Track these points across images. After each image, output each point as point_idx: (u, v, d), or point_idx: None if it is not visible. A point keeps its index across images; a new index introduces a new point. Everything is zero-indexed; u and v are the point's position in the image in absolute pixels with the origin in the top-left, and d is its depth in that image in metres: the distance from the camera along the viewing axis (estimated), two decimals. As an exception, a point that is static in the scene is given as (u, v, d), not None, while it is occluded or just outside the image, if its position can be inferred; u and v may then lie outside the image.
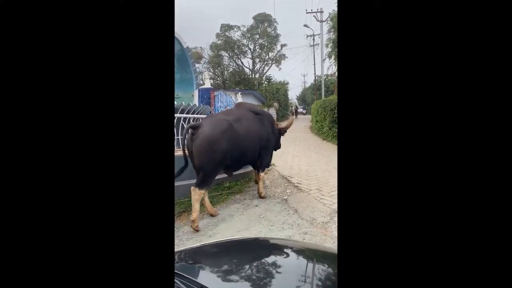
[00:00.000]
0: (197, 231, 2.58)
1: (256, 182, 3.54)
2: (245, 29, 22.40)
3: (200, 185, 2.60)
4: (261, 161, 3.25)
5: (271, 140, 3.33)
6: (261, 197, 3.44)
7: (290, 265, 0.94)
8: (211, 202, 3.13)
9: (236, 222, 2.79)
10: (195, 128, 2.65)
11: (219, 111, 6.90)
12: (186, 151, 2.66)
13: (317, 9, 16.52)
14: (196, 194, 2.58)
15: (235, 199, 3.45)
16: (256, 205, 3.24)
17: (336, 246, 1.88)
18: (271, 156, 3.50)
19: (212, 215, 2.93)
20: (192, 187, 2.63)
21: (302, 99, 37.72)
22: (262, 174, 3.39)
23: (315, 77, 23.96)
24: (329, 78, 15.75)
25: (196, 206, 2.57)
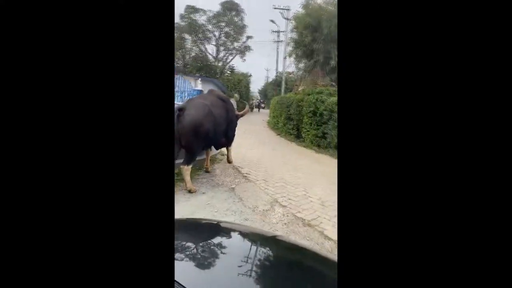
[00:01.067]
0: (195, 191, 3.28)
1: (207, 167, 4.22)
2: (211, 15, 21.73)
3: (188, 162, 3.14)
4: (228, 140, 4.03)
5: (234, 123, 4.00)
6: (229, 162, 4.45)
7: (229, 243, 1.02)
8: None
9: (182, 208, 2.88)
10: (180, 110, 3.04)
11: (176, 96, 6.73)
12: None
13: (284, 7, 16.86)
14: (186, 170, 3.16)
15: (183, 186, 3.51)
16: (204, 193, 3.35)
17: (271, 231, 2.11)
18: (233, 137, 4.19)
19: (190, 192, 3.26)
20: (181, 166, 3.13)
21: (263, 93, 38.23)
22: (230, 147, 4.30)
23: (276, 73, 24.48)
24: (289, 75, 16.27)
25: (187, 178, 3.18)
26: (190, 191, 3.24)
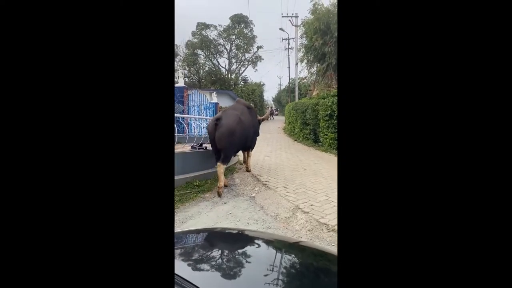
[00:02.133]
0: (228, 185, 4.00)
1: (245, 162, 4.93)
2: (221, 29, 22.36)
3: (224, 161, 3.67)
4: (252, 143, 4.64)
5: (257, 127, 4.74)
6: (248, 171, 4.82)
7: (255, 252, 0.99)
8: (179, 200, 3.30)
9: (204, 219, 2.90)
10: (218, 119, 3.74)
11: (192, 109, 6.91)
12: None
13: (292, 14, 17.02)
14: (221, 168, 3.61)
15: (204, 197, 3.54)
16: (225, 203, 3.36)
17: (295, 237, 2.07)
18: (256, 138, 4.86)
19: (225, 186, 3.90)
20: (218, 163, 3.64)
21: (277, 100, 38.30)
22: (251, 152, 4.88)
23: (289, 79, 24.54)
24: (302, 81, 16.24)
25: (221, 176, 3.62)
26: (225, 186, 3.87)
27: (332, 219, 2.91)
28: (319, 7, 9.02)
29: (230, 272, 0.85)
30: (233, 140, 3.71)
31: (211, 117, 5.39)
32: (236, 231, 1.50)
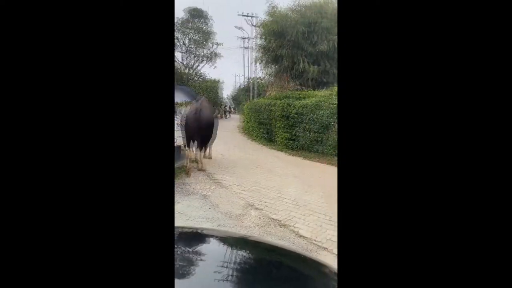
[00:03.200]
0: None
1: (196, 161, 5.04)
2: (178, 22, 21.46)
3: (201, 146, 4.84)
4: (213, 136, 5.20)
5: (214, 123, 5.19)
6: (201, 169, 4.85)
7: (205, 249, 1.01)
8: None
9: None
10: (198, 110, 4.70)
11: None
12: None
13: (249, 14, 17.19)
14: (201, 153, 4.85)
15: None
16: (178, 202, 3.27)
17: (246, 233, 2.13)
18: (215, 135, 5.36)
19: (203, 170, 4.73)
20: (190, 149, 4.76)
21: (235, 99, 38.36)
22: (208, 150, 5.57)
23: (247, 79, 24.75)
24: (259, 81, 16.54)
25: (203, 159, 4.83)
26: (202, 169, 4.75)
27: (283, 215, 3.06)
28: (276, 10, 9.28)
29: (179, 271, 0.85)
30: (210, 130, 4.70)
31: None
32: (186, 229, 1.49)
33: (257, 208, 3.21)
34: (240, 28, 20.21)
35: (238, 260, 0.90)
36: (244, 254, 1.01)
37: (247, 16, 17.07)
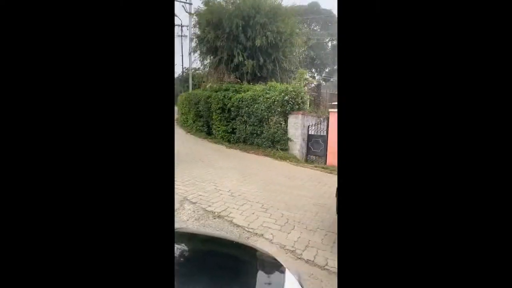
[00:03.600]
0: None
1: None
2: None
3: None
4: None
5: None
6: None
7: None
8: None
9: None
10: None
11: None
12: None
13: (186, 0, 16.34)
14: None
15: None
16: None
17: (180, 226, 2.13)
18: None
19: None
20: None
21: (171, 89, 36.25)
22: None
23: (182, 69, 23.64)
24: (196, 72, 16.02)
25: None
26: None
27: (218, 206, 3.14)
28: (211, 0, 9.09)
29: None
30: None
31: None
32: None
33: (192, 202, 3.21)
34: (175, 16, 19.06)
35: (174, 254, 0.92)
36: (179, 247, 1.02)
37: (183, 1, 16.20)
